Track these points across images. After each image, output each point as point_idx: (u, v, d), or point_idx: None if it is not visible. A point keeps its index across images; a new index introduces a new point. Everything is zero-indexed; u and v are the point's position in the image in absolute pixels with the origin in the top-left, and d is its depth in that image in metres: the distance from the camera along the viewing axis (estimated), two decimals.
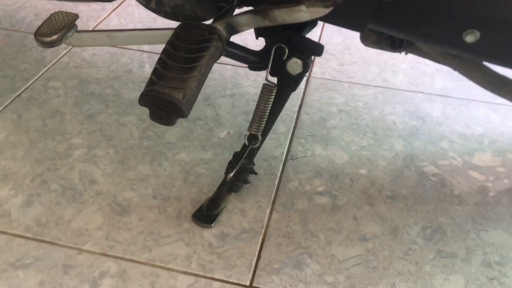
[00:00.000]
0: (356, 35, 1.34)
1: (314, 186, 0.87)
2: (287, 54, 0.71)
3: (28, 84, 1.10)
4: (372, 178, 0.89)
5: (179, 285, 0.70)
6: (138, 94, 1.09)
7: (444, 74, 1.19)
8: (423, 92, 1.12)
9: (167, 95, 0.52)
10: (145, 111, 1.04)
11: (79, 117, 1.02)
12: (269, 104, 0.75)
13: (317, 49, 0.72)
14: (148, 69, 1.17)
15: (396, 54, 1.26)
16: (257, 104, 0.75)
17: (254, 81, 1.15)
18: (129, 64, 1.19)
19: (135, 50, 1.24)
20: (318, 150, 0.95)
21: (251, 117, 1.04)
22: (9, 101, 1.05)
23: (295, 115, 1.04)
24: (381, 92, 1.12)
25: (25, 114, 1.02)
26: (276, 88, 0.74)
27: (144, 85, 1.14)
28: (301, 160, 0.93)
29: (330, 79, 1.16)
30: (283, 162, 0.92)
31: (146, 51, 1.24)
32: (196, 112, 1.04)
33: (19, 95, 1.07)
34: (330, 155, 0.94)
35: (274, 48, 0.71)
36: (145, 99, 0.54)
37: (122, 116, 1.02)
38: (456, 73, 1.19)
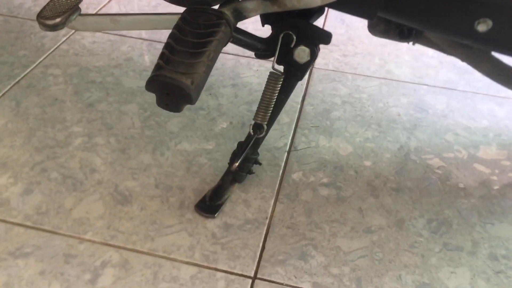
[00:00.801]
0: (359, 25, 1.33)
1: (318, 178, 0.86)
2: (295, 41, 0.69)
3: (27, 71, 1.08)
4: (376, 170, 0.88)
5: (182, 275, 0.69)
6: (139, 83, 1.07)
7: (448, 66, 1.18)
8: (427, 85, 1.11)
9: (175, 80, 0.51)
10: (146, 100, 1.02)
11: (79, 105, 1.00)
12: (275, 93, 0.73)
13: (325, 37, 0.71)
14: (149, 58, 1.16)
15: (400, 46, 1.24)
16: (263, 93, 0.74)
17: (257, 71, 1.13)
18: (129, 52, 1.17)
19: (135, 38, 1.22)
20: (322, 141, 0.94)
21: (254, 107, 1.03)
22: (7, 88, 1.03)
23: (299, 106, 1.03)
24: (385, 84, 1.11)
25: (24, 101, 1.00)
26: (283, 76, 0.72)
27: (145, 74, 1.13)
28: (305, 151, 0.92)
29: (333, 70, 1.15)
30: (286, 153, 0.91)
31: (147, 40, 1.22)
32: (198, 102, 1.03)
33: (18, 82, 1.05)
34: (334, 146, 0.93)
35: (281, 35, 0.69)
36: (152, 84, 0.53)
37: (123, 104, 1.01)
38: (460, 65, 1.18)
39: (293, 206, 0.81)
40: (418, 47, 1.25)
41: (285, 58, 0.72)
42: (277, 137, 0.94)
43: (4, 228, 0.74)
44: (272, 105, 0.74)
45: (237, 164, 0.75)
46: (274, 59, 0.71)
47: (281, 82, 0.73)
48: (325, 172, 0.87)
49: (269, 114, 0.75)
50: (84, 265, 0.70)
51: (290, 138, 0.95)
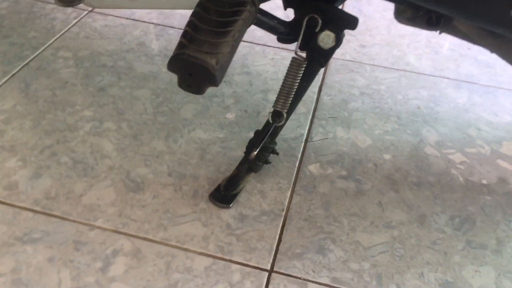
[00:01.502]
0: (377, 16, 1.30)
1: (336, 170, 0.83)
2: (320, 26, 0.66)
3: (37, 52, 1.05)
4: (396, 163, 0.85)
5: (196, 266, 0.66)
6: (151, 68, 1.04)
7: (469, 60, 1.14)
8: (448, 78, 1.08)
9: (200, 59, 0.48)
10: (159, 85, 0.99)
11: (90, 89, 0.97)
12: (297, 80, 0.70)
13: (351, 22, 0.67)
14: (161, 43, 1.13)
15: (419, 38, 1.21)
16: (284, 79, 0.71)
17: (272, 59, 1.10)
18: (142, 37, 1.14)
19: (148, 22, 1.19)
20: (339, 133, 0.91)
21: (269, 96, 1.00)
22: (17, 69, 1.00)
23: (315, 96, 1.00)
24: (404, 76, 1.08)
25: (34, 83, 0.97)
26: (306, 62, 0.69)
27: (157, 59, 1.10)
28: (322, 142, 0.89)
29: (351, 61, 1.11)
30: (303, 143, 0.88)
31: (159, 24, 1.19)
32: (212, 89, 1.00)
33: (27, 63, 1.02)
34: (352, 138, 0.90)
35: (306, 18, 0.66)
36: (174, 63, 0.50)
37: (135, 89, 0.98)
38: (481, 59, 1.15)
39: (310, 198, 0.78)
40: (438, 39, 1.22)
41: (309, 43, 0.69)
42: (293, 127, 0.91)
43: (12, 212, 0.72)
44: (293, 92, 0.71)
45: (255, 152, 0.72)
46: (297, 43, 0.68)
47: (303, 69, 0.70)
48: (343, 164, 0.84)
49: (290, 102, 0.72)
50: (95, 253, 0.67)
51: (307, 128, 0.92)
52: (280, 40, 0.70)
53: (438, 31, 0.78)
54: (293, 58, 0.70)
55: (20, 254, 0.66)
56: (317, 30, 0.67)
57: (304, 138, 0.89)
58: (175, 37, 1.15)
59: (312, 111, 0.96)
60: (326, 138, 0.90)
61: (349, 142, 0.89)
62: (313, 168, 0.83)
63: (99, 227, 0.71)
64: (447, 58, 1.14)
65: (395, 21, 1.25)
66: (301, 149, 0.87)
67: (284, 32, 0.68)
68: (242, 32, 0.53)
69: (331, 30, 0.67)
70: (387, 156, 0.87)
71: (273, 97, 0.98)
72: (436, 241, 0.72)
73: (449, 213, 0.77)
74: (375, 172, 0.83)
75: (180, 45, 0.50)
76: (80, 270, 0.65)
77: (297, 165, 0.84)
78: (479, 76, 1.09)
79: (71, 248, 0.67)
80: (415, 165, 0.85)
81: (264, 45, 1.15)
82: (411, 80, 1.06)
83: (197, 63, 0.48)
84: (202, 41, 0.49)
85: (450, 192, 0.80)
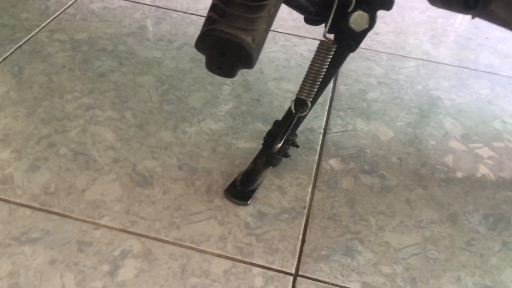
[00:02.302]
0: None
1: (358, 164, 0.77)
2: (353, 5, 0.60)
3: (30, 35, 0.97)
4: (422, 157, 0.80)
5: (214, 269, 0.60)
6: (155, 53, 0.97)
7: (488, 49, 1.09)
8: (468, 68, 1.02)
9: (234, 36, 0.41)
10: (164, 72, 0.92)
11: (89, 74, 0.89)
12: (325, 65, 0.64)
13: (386, 1, 0.61)
14: (165, 27, 1.05)
15: (435, 26, 1.15)
16: (310, 65, 0.64)
17: (283, 46, 1.04)
18: (143, 20, 1.06)
19: (149, 5, 1.12)
20: (359, 125, 0.85)
21: (282, 84, 0.94)
22: (9, 52, 0.92)
23: (331, 85, 0.94)
24: (422, 65, 1.02)
25: (28, 68, 0.89)
26: (335, 46, 0.63)
27: (161, 43, 1.03)
28: (342, 134, 0.83)
29: (366, 49, 1.05)
30: (322, 135, 0.82)
31: (161, 7, 1.11)
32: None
33: (20, 46, 0.94)
34: (373, 130, 0.84)
35: None
36: (205, 40, 0.43)
37: (138, 76, 0.90)
38: (500, 49, 1.10)
39: (333, 194, 0.72)
40: (455, 28, 1.17)
41: (338, 25, 0.62)
42: (310, 118, 0.85)
43: (7, 209, 0.65)
44: (320, 79, 0.65)
45: (279, 145, 0.65)
46: (327, 25, 0.61)
47: (332, 53, 0.63)
48: (365, 158, 0.79)
49: (316, 90, 0.66)
50: (101, 254, 0.60)
51: (325, 120, 0.86)
52: (307, 21, 0.64)
53: (471, 16, 0.72)
54: (321, 41, 0.63)
55: (18, 256, 0.59)
56: (349, 10, 0.60)
57: (323, 130, 0.83)
58: (178, 21, 1.08)
59: (328, 101, 0.90)
60: (346, 130, 0.84)
61: (370, 135, 0.83)
62: (334, 162, 0.77)
63: (105, 226, 0.64)
64: (465, 47, 1.09)
65: (408, 8, 1.19)
66: (320, 142, 0.81)
67: (312, 11, 0.62)
68: (277, 7, 0.46)
69: (364, 10, 0.61)
70: (411, 150, 0.81)
71: (286, 85, 0.92)
72: (470, 242, 0.67)
73: (482, 211, 0.72)
74: (400, 167, 0.78)
75: (210, 20, 0.43)
76: (85, 274, 0.58)
77: (316, 158, 0.78)
78: (500, 67, 1.04)
79: (74, 249, 0.61)
80: (442, 159, 0.80)
81: (274, 30, 1.08)
82: (430, 69, 1.01)
83: (231, 40, 0.41)
84: (235, 16, 0.43)
85: (481, 189, 0.75)
